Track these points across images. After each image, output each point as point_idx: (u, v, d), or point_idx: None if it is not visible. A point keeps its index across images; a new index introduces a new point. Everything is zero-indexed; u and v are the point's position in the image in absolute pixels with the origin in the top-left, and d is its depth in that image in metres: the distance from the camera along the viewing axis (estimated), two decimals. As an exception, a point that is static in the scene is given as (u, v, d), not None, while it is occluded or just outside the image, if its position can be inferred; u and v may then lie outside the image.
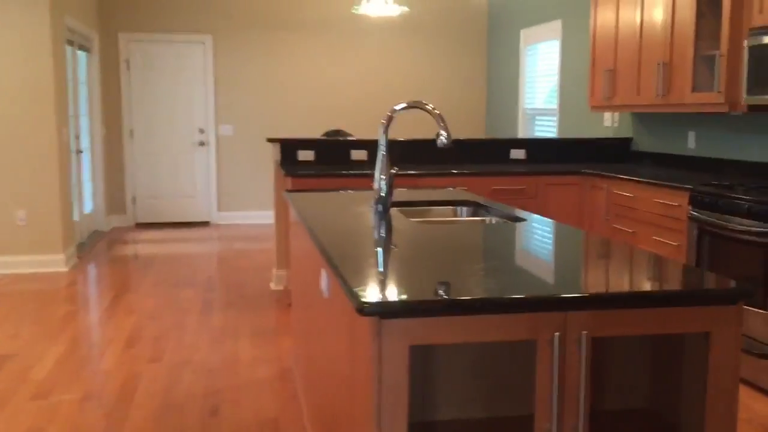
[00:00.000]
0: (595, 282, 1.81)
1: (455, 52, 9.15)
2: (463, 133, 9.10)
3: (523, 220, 2.81)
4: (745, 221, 3.63)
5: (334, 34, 8.80)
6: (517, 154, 5.87)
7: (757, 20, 3.97)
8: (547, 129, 7.60)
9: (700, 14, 4.47)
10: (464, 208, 3.35)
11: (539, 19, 7.60)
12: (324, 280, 2.36)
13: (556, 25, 7.17)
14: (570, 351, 1.65)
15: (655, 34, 4.93)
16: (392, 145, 5.57)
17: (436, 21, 9.05)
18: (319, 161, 5.55)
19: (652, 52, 4.98)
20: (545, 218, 2.83)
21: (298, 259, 3.44)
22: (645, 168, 5.41)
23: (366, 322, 1.63)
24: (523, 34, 8.02)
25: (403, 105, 2.83)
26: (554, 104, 7.32)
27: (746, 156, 4.62)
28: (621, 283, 1.81)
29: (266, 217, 8.43)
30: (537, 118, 7.91)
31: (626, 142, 5.99)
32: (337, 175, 4.96)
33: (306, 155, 5.52)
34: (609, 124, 6.30)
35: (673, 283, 1.79)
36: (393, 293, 1.66)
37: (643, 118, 5.82)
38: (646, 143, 5.78)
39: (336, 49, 8.85)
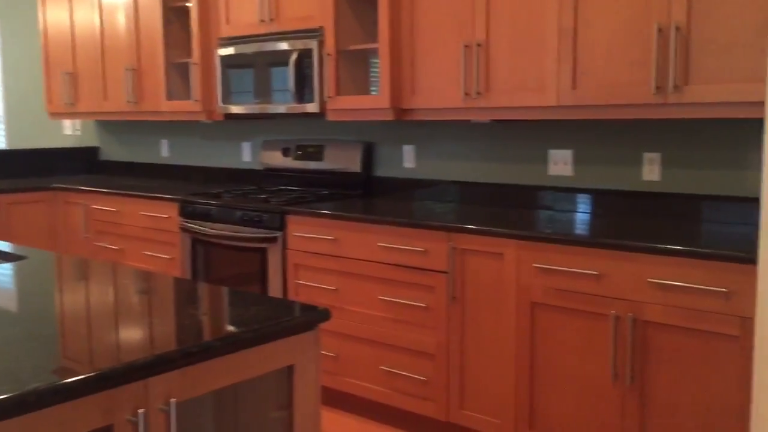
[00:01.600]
0: (165, 332, 1.50)
1: None
2: None
3: (19, 257, 2.25)
4: (233, 228, 3.70)
5: None
6: (-36, 169, 4.89)
7: (225, 30, 4.07)
8: (-9, 138, 6.58)
9: (167, 21, 4.37)
10: None
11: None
12: None
13: (-8, 19, 6.23)
14: (156, 426, 1.31)
15: (119, 38, 4.65)
16: None
17: None
18: None
19: (117, 56, 4.70)
20: (47, 252, 2.32)
21: None
22: (117, 178, 5.11)
23: None
24: (-52, 26, 6.75)
25: None
26: (-2, 110, 6.37)
27: (222, 162, 4.75)
28: (196, 328, 1.54)
29: None
30: (-25, 125, 6.78)
31: (93, 151, 5.57)
32: None
33: None
34: (70, 132, 5.77)
35: (254, 318, 1.60)
36: None
37: (111, 126, 5.49)
38: (115, 152, 5.47)
39: None
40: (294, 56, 3.68)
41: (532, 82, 2.98)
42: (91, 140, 5.62)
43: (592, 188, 3.21)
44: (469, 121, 3.54)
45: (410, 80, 3.36)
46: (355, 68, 3.68)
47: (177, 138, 5.02)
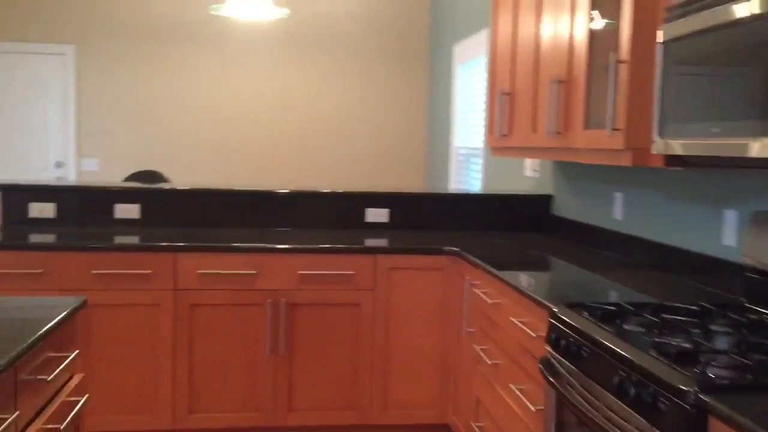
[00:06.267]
0: None
1: (387, 73, 7.26)
2: (402, 181, 7.22)
3: None
4: (607, 398, 1.69)
5: (224, 45, 7.05)
6: (378, 215, 3.98)
7: (681, -5, 2.06)
8: (476, 175, 5.70)
9: (595, 2, 2.57)
10: None
11: (470, 29, 5.74)
12: None
13: (483, 37, 5.30)
14: None
15: (553, 38, 3.03)
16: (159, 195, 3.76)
17: (356, 31, 7.22)
18: (67, 219, 3.76)
19: (548, 65, 3.08)
20: None
21: None
22: (559, 245, 3.47)
23: None
24: (457, 49, 6.15)
25: None
26: (481, 143, 5.42)
27: (690, 241, 2.66)
28: None
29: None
30: (473, 160, 6.00)
31: (545, 201, 4.05)
32: (81, 248, 3.19)
33: (43, 210, 3.74)
34: (530, 173, 4.37)
35: None
36: None
37: (565, 168, 3.88)
38: (567, 205, 3.83)
39: (231, 65, 7.09)
40: (792, 21, 1.48)
41: None
42: (546, 186, 4.12)
43: None
44: None
45: None
46: None
47: (634, 191, 3.10)
